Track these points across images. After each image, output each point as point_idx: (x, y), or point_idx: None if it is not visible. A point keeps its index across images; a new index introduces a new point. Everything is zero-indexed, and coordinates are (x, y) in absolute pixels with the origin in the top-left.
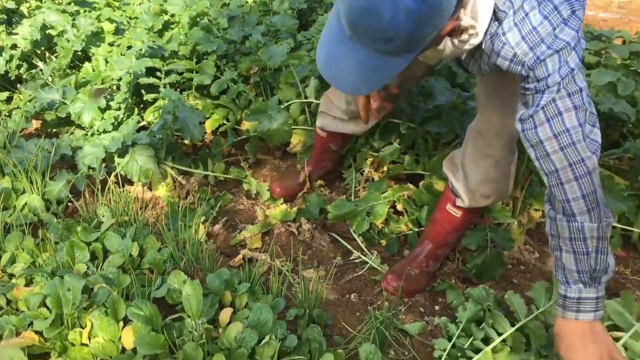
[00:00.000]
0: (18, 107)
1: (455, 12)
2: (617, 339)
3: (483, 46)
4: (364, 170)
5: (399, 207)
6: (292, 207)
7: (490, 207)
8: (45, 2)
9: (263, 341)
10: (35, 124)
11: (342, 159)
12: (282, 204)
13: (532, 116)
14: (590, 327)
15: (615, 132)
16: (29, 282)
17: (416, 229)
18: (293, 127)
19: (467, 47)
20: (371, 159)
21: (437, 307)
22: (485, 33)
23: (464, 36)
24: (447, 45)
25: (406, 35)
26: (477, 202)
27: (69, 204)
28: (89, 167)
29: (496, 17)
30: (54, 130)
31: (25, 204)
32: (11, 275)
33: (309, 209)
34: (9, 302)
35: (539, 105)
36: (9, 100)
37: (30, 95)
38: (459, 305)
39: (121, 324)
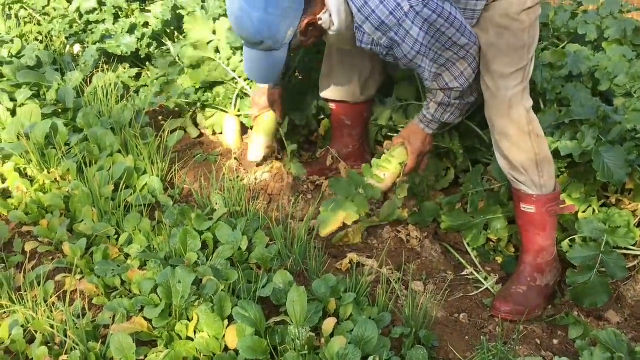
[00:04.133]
0: (146, 85)
1: (309, 9)
2: None
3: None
4: (483, 177)
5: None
6: (403, 209)
7: (613, 230)
8: None
9: None
10: (161, 100)
11: (367, 148)
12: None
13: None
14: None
15: None
16: (143, 265)
17: None
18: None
19: (334, 34)
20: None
21: (555, 341)
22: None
23: (329, 27)
24: (327, 36)
25: (269, 35)
26: (532, 177)
27: (184, 186)
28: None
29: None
30: (177, 108)
31: (145, 184)
32: (127, 255)
33: (422, 214)
34: (123, 282)
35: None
36: (137, 76)
37: (157, 74)
38: (584, 349)
39: (226, 322)
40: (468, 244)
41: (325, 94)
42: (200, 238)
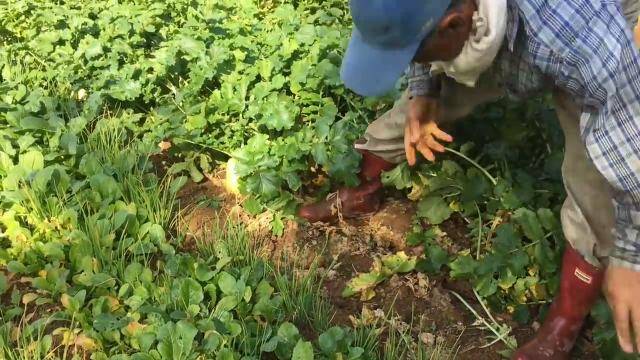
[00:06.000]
0: (149, 130)
1: (457, 4)
2: None
3: (513, 50)
4: (492, 223)
5: (531, 271)
6: (410, 256)
7: None
8: (183, 28)
9: None
10: (164, 145)
11: (376, 199)
12: (400, 251)
13: (604, 124)
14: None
15: None
16: (143, 317)
17: (550, 300)
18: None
19: (484, 46)
20: (501, 211)
21: None
22: (508, 36)
23: (477, 35)
24: (466, 51)
25: (400, 20)
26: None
27: (187, 234)
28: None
29: (514, 16)
30: (181, 153)
31: (147, 232)
32: (127, 308)
33: (430, 262)
34: (122, 337)
35: (607, 110)
36: (141, 121)
37: (161, 119)
38: None
39: None
40: (478, 292)
41: (363, 145)
42: (203, 289)
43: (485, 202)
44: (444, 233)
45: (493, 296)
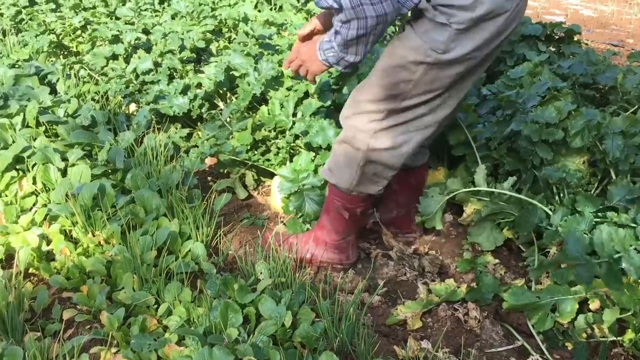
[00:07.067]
0: (196, 146)
1: None
2: None
3: None
4: (549, 251)
5: (592, 305)
6: (460, 284)
7: None
8: (232, 43)
9: None
10: (210, 161)
11: (413, 218)
12: (449, 278)
13: None
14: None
15: None
16: (181, 339)
17: (612, 337)
18: (469, 189)
19: None
20: (559, 239)
21: None
22: None
23: None
24: None
25: None
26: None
27: (229, 252)
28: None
29: None
30: (227, 170)
31: (189, 250)
32: (165, 328)
33: (480, 291)
34: (159, 359)
35: None
36: (189, 137)
37: (207, 135)
38: None
39: None
40: (533, 326)
41: None
42: (242, 312)
43: (543, 229)
44: (497, 260)
45: (549, 331)
